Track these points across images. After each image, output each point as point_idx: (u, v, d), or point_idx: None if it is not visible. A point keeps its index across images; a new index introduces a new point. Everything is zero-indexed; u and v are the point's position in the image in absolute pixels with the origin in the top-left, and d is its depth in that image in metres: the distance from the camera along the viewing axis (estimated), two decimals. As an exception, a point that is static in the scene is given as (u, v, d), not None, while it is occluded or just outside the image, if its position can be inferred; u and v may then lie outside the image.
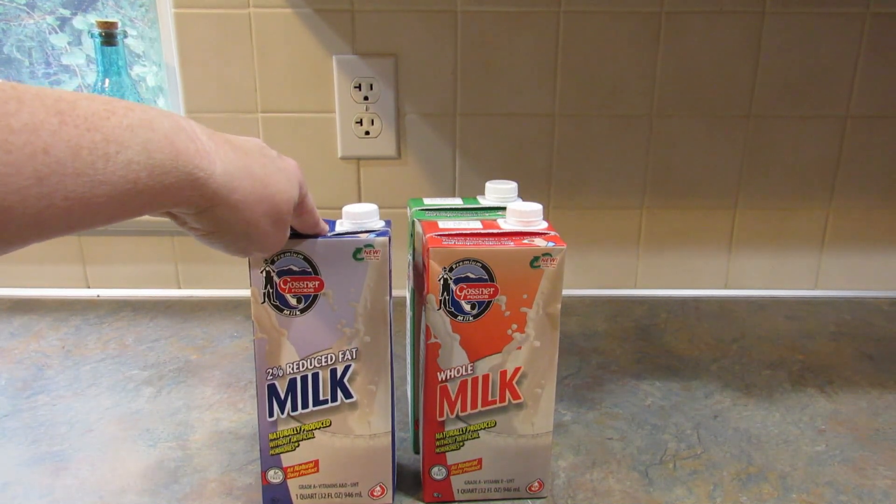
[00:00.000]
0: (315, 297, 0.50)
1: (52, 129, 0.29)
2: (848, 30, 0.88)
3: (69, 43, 1.00)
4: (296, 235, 0.50)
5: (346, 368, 0.52)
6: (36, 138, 0.29)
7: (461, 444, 0.54)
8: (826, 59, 0.89)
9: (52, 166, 0.29)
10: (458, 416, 0.54)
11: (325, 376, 0.52)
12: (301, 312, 0.50)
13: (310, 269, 0.50)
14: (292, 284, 0.50)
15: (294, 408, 0.52)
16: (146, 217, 0.96)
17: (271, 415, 0.52)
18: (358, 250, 0.50)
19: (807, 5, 0.87)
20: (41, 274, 0.98)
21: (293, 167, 0.46)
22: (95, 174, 0.31)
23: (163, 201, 0.35)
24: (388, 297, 0.51)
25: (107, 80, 0.88)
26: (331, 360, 0.51)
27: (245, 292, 0.98)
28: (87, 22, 0.98)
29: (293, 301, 0.50)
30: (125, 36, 0.89)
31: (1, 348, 0.83)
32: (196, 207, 0.38)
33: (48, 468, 0.60)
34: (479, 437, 0.54)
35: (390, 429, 0.54)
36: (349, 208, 0.52)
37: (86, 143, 0.30)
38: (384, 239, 0.50)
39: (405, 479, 0.59)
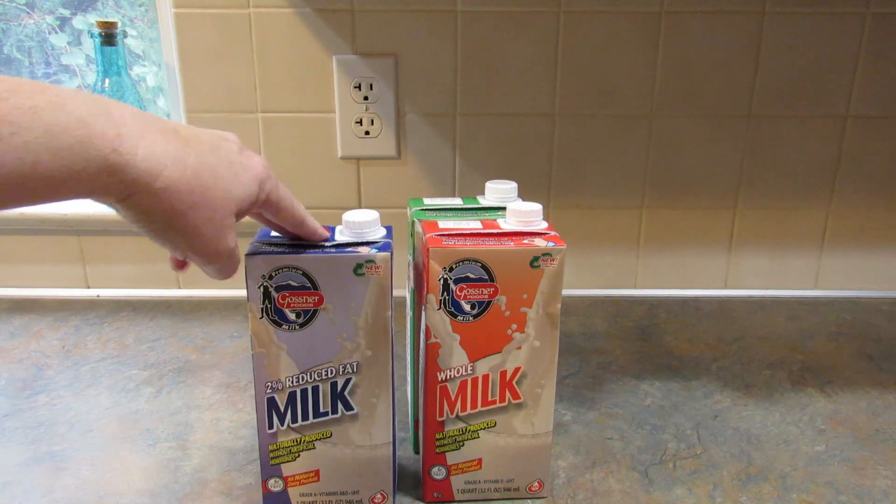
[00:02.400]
0: (315, 311, 0.49)
1: None
2: (848, 30, 0.88)
3: (69, 43, 1.00)
4: (294, 244, 0.49)
5: (347, 381, 0.51)
6: None
7: (461, 444, 0.54)
8: (826, 59, 0.89)
9: None
10: (458, 416, 0.54)
11: (325, 389, 0.51)
12: (300, 327, 0.49)
13: (309, 284, 0.48)
14: (291, 299, 0.49)
15: (294, 420, 0.52)
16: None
17: (271, 427, 0.52)
18: (359, 266, 0.48)
19: (807, 5, 0.87)
20: (41, 274, 0.98)
21: (256, 165, 0.44)
22: None
23: (75, 187, 0.35)
24: (389, 312, 0.50)
25: (106, 80, 0.88)
26: (331, 373, 0.51)
27: (245, 292, 0.98)
28: (87, 22, 0.98)
29: (292, 316, 0.49)
30: (125, 36, 0.89)
31: (1, 348, 0.83)
32: (116, 196, 0.37)
33: (48, 468, 0.60)
34: (479, 437, 0.54)
35: (391, 439, 0.54)
36: (349, 216, 0.51)
37: None
38: (386, 254, 0.49)
39: (405, 479, 0.59)
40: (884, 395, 0.73)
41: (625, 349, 0.83)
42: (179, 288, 0.99)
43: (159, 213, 0.38)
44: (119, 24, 0.87)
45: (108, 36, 0.87)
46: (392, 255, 0.49)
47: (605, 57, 0.89)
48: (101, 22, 0.86)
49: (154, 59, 0.99)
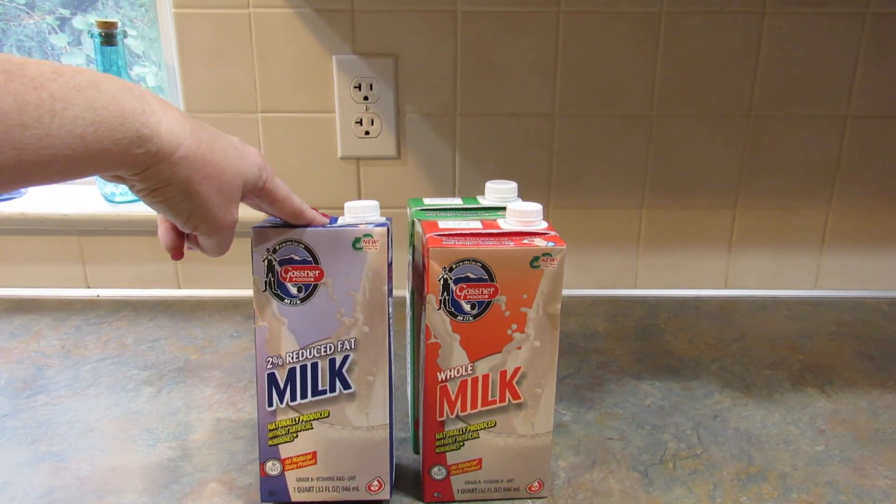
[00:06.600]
0: (315, 286, 0.51)
1: None
2: (848, 30, 0.88)
3: (69, 43, 1.00)
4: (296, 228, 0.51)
5: (345, 359, 0.52)
6: None
7: (461, 444, 0.54)
8: (826, 59, 0.89)
9: None
10: (457, 416, 0.54)
11: (324, 366, 0.52)
12: (301, 301, 0.51)
13: (310, 259, 0.51)
14: (293, 273, 0.51)
15: (293, 397, 0.53)
16: (146, 217, 0.95)
17: (270, 404, 0.53)
18: (357, 240, 0.50)
19: (807, 5, 0.87)
20: (41, 274, 0.98)
21: (255, 154, 0.48)
22: (42, 128, 0.34)
23: (111, 159, 0.38)
24: (386, 288, 0.52)
25: (107, 80, 0.88)
26: (330, 349, 0.52)
27: (245, 292, 0.98)
28: (87, 22, 0.98)
29: (294, 290, 0.51)
30: (125, 36, 0.89)
31: (1, 348, 0.83)
32: (140, 166, 0.40)
33: (48, 468, 0.60)
34: (478, 437, 0.54)
35: (388, 421, 0.54)
36: (351, 204, 0.53)
37: (32, 99, 0.33)
38: (383, 229, 0.51)
39: (405, 479, 0.59)
40: (884, 395, 0.73)
41: (625, 349, 0.83)
42: (179, 288, 0.99)
43: (176, 181, 0.41)
44: (119, 24, 0.87)
45: (108, 36, 0.87)
46: (390, 231, 0.51)
47: (605, 57, 0.89)
48: (101, 22, 0.86)
49: (154, 59, 0.99)
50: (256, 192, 0.48)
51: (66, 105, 0.35)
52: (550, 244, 0.50)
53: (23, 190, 0.99)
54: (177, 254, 0.51)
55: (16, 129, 0.33)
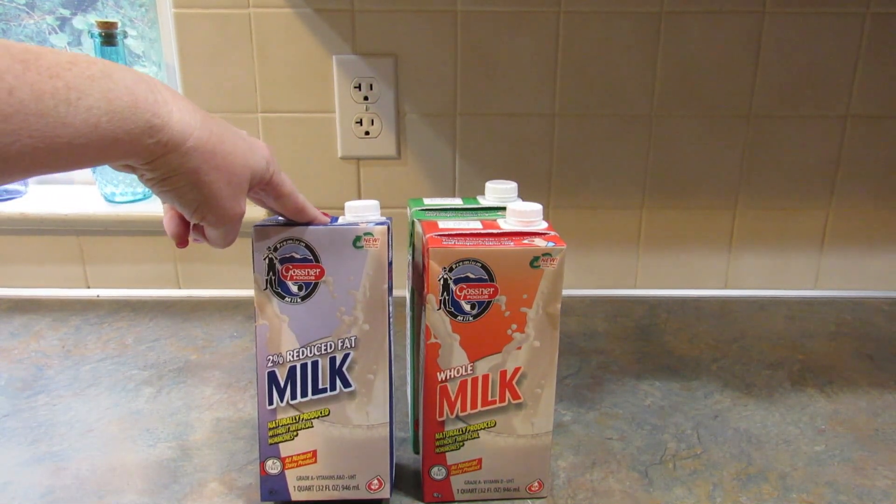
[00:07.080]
0: (316, 284, 0.51)
1: (17, 74, 0.33)
2: (848, 30, 0.88)
3: (69, 43, 1.00)
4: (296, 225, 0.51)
5: (346, 357, 0.52)
6: (0, 82, 0.32)
7: (461, 444, 0.54)
8: (826, 59, 0.89)
9: (15, 106, 0.33)
10: (457, 416, 0.54)
11: (324, 364, 0.52)
12: (302, 300, 0.51)
13: (311, 257, 0.51)
14: (294, 272, 0.51)
15: (293, 396, 0.53)
16: (146, 217, 0.95)
17: (271, 402, 0.53)
18: (357, 238, 0.51)
19: (807, 5, 0.87)
20: (41, 274, 0.98)
21: (263, 146, 0.48)
22: (58, 117, 0.34)
23: (123, 148, 0.38)
24: (386, 286, 0.52)
25: (107, 80, 0.88)
26: (330, 348, 0.52)
27: (245, 292, 0.98)
28: (87, 22, 0.98)
29: (294, 288, 0.51)
30: (125, 36, 0.89)
31: (1, 348, 0.83)
32: (151, 156, 0.40)
33: (48, 468, 0.60)
34: (478, 437, 0.54)
35: (388, 419, 0.54)
36: (351, 203, 0.53)
37: (48, 88, 0.34)
38: (383, 227, 0.51)
39: (405, 480, 0.59)
40: (884, 395, 0.73)
41: (625, 349, 0.83)
42: (179, 288, 0.99)
43: (186, 171, 0.42)
44: (119, 24, 0.87)
45: (108, 36, 0.87)
46: (390, 230, 0.52)
47: (605, 57, 0.89)
48: (101, 22, 0.86)
49: (154, 59, 0.99)
50: (263, 186, 0.48)
51: (80, 95, 0.35)
52: (550, 244, 0.50)
53: (23, 189, 0.99)
54: (181, 242, 0.51)
55: (32, 118, 0.33)
